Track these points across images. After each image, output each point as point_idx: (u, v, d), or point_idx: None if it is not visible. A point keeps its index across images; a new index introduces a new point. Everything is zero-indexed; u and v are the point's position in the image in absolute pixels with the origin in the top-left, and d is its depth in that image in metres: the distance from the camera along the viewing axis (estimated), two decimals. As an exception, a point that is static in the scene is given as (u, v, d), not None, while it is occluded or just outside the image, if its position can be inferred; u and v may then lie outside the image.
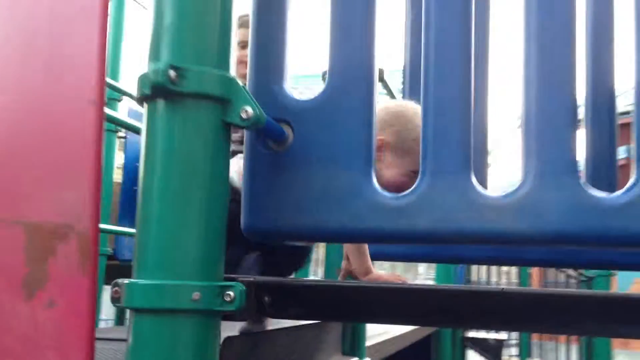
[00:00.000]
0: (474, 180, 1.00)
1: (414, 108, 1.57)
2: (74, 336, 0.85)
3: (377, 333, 2.36)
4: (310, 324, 1.65)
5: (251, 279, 1.06)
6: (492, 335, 6.68)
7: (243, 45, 2.18)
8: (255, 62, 1.11)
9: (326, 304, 1.19)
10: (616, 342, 10.24)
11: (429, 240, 1.04)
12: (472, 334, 6.63)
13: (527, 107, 1.01)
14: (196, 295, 0.87)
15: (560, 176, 0.97)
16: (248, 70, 1.11)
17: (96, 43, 0.90)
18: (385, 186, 1.06)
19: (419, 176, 1.02)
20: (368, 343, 2.07)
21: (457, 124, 1.03)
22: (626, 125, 1.37)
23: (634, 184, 0.95)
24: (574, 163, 0.97)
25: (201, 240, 0.90)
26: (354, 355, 1.93)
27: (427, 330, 3.91)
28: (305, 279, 1.82)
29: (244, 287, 0.92)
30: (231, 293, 0.90)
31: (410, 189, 1.03)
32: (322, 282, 1.31)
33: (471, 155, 1.03)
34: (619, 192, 0.96)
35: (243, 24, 2.14)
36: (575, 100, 0.99)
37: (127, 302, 0.88)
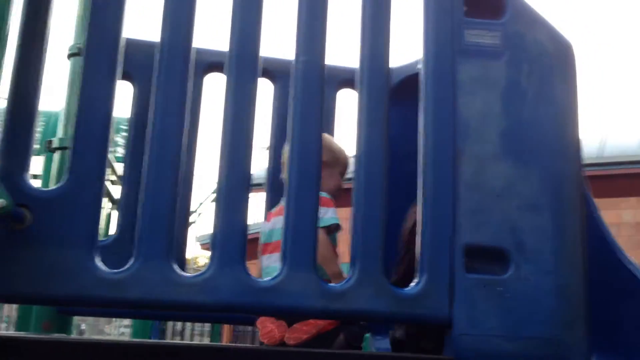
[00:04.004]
0: (174, 264, 1.38)
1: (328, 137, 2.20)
2: None
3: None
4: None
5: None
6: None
7: None
8: (4, 151, 1.35)
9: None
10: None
11: (138, 307, 1.38)
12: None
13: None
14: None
15: (233, 265, 1.40)
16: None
17: None
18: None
19: (133, 258, 1.36)
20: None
21: (165, 220, 1.41)
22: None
23: (279, 274, 1.43)
24: (243, 256, 1.42)
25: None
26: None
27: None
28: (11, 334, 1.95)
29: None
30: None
31: (124, 267, 1.36)
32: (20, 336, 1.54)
33: (174, 244, 1.40)
34: (268, 279, 1.43)
35: None
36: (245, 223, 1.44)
37: None
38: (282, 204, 2.14)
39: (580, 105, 1.71)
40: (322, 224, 1.92)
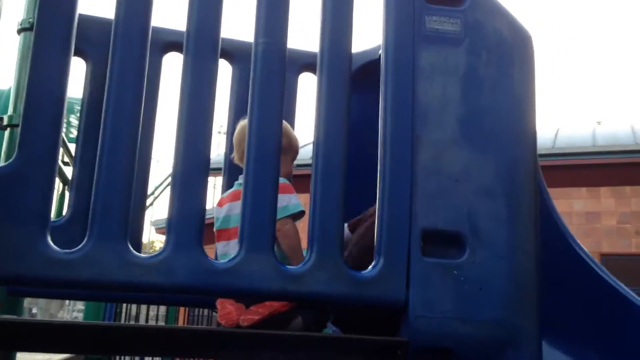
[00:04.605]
0: (129, 244, 1.35)
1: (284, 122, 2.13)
2: None
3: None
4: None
5: None
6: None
7: None
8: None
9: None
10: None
11: (90, 288, 1.35)
12: None
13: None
14: None
15: (189, 246, 1.39)
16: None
17: None
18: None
19: (86, 238, 1.34)
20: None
21: (120, 200, 1.38)
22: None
23: (237, 255, 1.42)
24: (200, 238, 1.40)
25: None
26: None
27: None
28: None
29: None
30: None
31: (77, 247, 1.33)
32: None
33: (128, 224, 1.38)
34: (224, 260, 1.42)
35: None
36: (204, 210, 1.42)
37: None
38: (235, 188, 2.11)
39: (536, 95, 1.74)
40: (288, 212, 1.87)
